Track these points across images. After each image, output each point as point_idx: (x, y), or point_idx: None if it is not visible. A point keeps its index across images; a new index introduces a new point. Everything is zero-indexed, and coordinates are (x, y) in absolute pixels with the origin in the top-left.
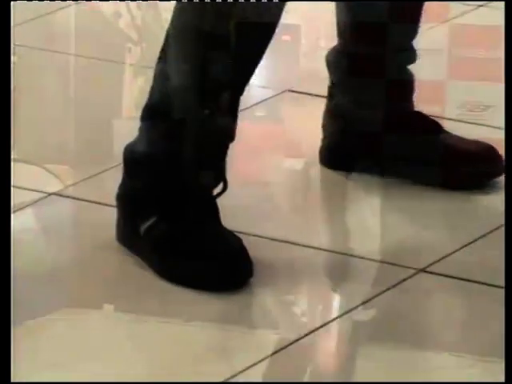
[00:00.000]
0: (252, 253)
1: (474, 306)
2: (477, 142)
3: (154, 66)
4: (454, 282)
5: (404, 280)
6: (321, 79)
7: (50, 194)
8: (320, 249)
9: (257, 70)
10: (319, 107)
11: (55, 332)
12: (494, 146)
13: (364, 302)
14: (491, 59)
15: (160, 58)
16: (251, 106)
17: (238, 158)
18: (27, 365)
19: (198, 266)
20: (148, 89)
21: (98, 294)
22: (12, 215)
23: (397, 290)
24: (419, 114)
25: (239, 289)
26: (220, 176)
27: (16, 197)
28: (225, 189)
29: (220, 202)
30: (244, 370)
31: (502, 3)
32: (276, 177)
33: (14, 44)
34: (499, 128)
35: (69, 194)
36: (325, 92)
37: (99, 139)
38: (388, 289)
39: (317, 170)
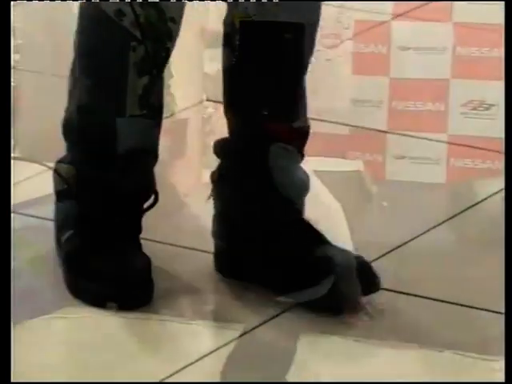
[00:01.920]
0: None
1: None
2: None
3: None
4: None
5: None
6: None
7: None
8: None
9: None
10: None
11: (55, 332)
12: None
13: (273, 317)
14: (495, 58)
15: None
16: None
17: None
18: (27, 365)
19: (93, 288)
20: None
21: None
22: (14, 213)
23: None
24: (304, 221)
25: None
26: (149, 190)
27: (19, 194)
28: (155, 202)
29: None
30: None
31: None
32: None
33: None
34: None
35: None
36: None
37: None
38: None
39: None
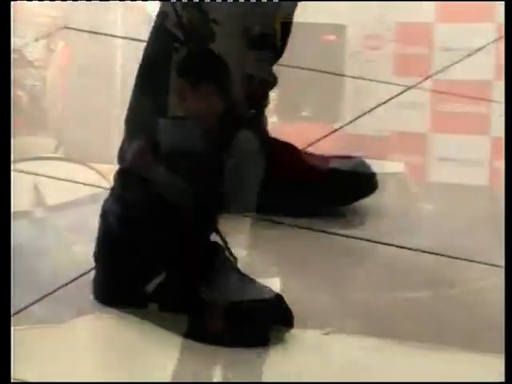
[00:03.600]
0: None
1: None
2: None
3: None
4: None
5: None
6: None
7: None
8: None
9: None
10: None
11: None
12: None
13: None
14: None
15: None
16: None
17: None
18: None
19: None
20: None
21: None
22: (54, 213)
23: None
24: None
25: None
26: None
27: (60, 194)
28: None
29: None
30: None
31: None
32: None
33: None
34: None
35: None
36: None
37: None
38: None
39: None
